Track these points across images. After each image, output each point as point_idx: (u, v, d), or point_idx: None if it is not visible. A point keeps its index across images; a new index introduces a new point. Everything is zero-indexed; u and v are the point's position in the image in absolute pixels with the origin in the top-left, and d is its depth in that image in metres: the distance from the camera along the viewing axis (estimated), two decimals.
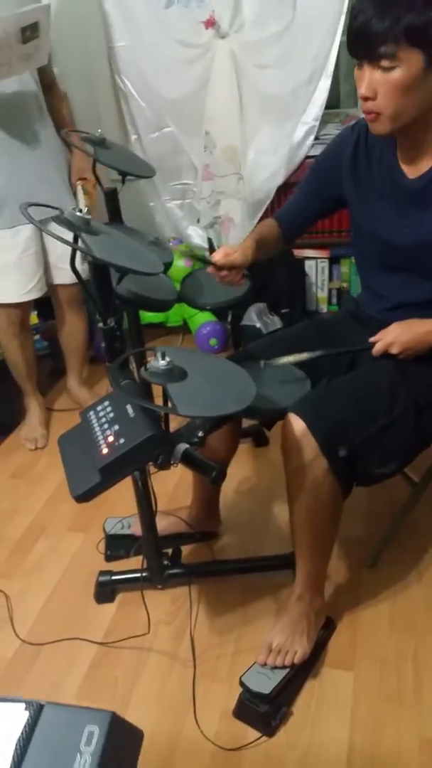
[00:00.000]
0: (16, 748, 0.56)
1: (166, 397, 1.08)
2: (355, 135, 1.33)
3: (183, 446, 1.20)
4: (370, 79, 1.09)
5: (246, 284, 1.44)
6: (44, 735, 0.58)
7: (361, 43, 1.08)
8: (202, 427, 1.24)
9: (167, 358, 1.07)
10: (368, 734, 1.24)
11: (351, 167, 1.33)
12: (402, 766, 1.18)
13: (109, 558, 1.69)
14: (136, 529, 1.63)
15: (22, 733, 0.57)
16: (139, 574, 1.54)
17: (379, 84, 1.08)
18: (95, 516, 1.79)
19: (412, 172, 1.23)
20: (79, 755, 0.55)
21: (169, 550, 1.55)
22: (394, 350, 1.27)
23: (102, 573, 1.59)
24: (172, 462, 1.20)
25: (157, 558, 1.50)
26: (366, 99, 1.12)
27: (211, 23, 2.16)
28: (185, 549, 1.63)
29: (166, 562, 1.52)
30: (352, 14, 1.09)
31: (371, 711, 1.28)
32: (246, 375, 1.15)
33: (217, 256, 1.32)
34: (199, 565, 1.58)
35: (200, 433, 1.23)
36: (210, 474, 1.19)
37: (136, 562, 1.61)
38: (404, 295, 1.34)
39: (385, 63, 1.06)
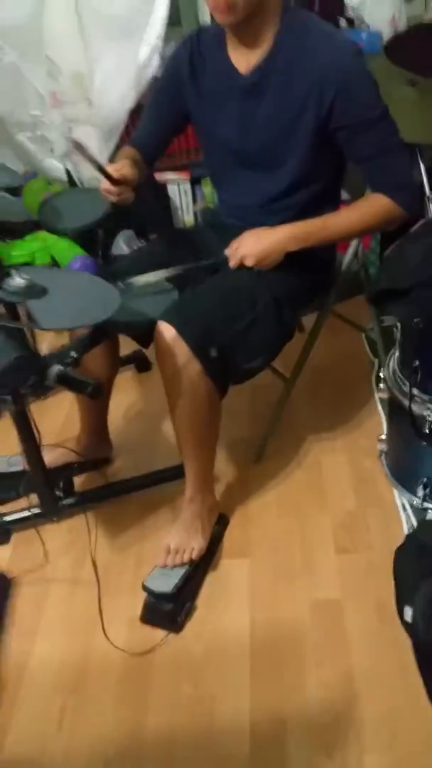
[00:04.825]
0: None
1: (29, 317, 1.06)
2: (188, 49, 1.35)
3: (57, 367, 1.19)
4: None
5: (106, 205, 1.41)
6: None
7: None
8: (75, 347, 1.23)
9: (26, 276, 1.05)
10: (266, 610, 1.35)
11: (191, 80, 1.36)
12: (298, 628, 1.31)
13: None
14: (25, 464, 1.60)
15: None
16: (31, 512, 1.53)
17: None
18: None
19: (243, 67, 1.27)
20: None
21: (61, 482, 1.54)
22: (249, 263, 1.31)
23: None
24: (47, 384, 1.19)
25: (47, 490, 1.49)
26: None
27: None
28: (79, 479, 1.64)
29: (58, 494, 1.52)
30: None
31: (268, 589, 1.39)
32: (109, 285, 1.15)
33: (110, 171, 1.27)
34: (93, 491, 1.60)
35: (73, 353, 1.22)
36: (86, 389, 1.19)
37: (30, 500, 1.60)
38: (256, 197, 1.38)
39: None
